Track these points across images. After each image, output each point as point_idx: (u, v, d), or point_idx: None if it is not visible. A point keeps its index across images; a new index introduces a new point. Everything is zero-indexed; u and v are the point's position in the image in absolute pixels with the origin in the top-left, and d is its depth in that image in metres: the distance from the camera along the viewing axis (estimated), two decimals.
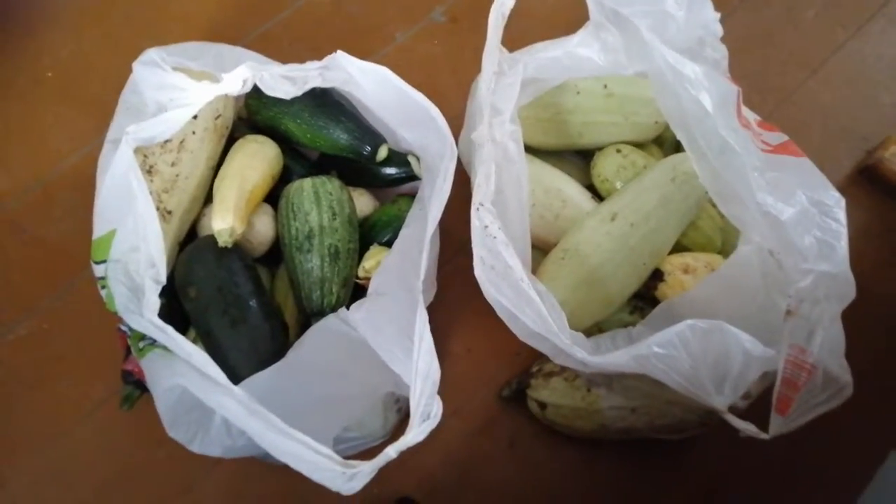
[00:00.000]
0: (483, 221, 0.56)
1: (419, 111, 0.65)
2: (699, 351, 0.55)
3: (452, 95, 0.90)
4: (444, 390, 0.80)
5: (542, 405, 0.72)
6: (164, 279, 0.61)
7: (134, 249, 0.61)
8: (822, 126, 0.92)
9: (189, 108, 0.54)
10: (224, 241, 0.66)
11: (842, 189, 0.62)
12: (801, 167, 0.68)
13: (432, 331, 0.81)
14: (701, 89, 0.60)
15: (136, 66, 0.56)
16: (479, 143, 0.59)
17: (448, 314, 0.81)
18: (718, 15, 0.64)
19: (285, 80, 0.56)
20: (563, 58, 0.60)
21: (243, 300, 0.67)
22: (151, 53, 0.55)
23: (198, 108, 0.55)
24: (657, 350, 0.55)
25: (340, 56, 0.61)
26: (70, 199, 0.85)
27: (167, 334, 0.57)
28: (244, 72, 0.52)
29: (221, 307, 0.66)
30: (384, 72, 0.61)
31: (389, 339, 0.58)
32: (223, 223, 0.67)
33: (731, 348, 0.56)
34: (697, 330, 0.55)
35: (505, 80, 0.59)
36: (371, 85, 0.64)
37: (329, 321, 0.66)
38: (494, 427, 0.77)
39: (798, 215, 0.59)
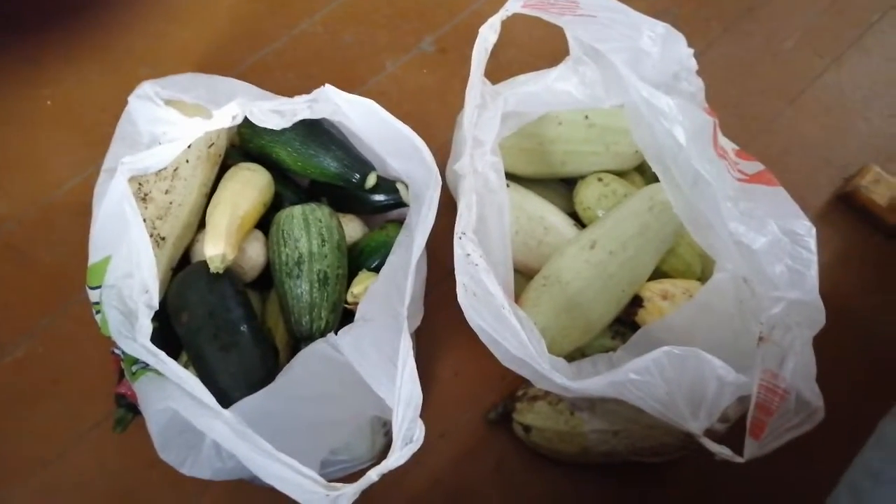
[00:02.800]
0: (465, 250, 0.58)
1: (405, 142, 0.67)
2: (675, 377, 0.57)
3: (441, 124, 0.93)
4: (431, 413, 0.83)
5: (527, 428, 0.73)
6: (156, 304, 0.63)
7: (128, 275, 0.63)
8: (801, 154, 0.95)
9: (180, 142, 0.57)
10: (216, 267, 0.68)
11: (821, 216, 0.65)
12: (775, 196, 0.70)
13: (419, 355, 0.83)
14: (675, 122, 0.62)
15: (132, 99, 0.58)
16: (462, 173, 0.62)
17: (435, 338, 0.83)
18: (692, 51, 0.66)
19: (274, 114, 0.58)
20: (543, 92, 0.63)
21: (234, 325, 0.68)
22: (146, 87, 0.58)
23: (189, 142, 0.57)
24: (634, 377, 0.56)
25: (328, 89, 0.63)
26: (67, 223, 0.87)
27: (159, 359, 0.59)
28: (233, 108, 0.55)
29: (213, 332, 0.67)
30: (370, 104, 0.64)
31: (374, 365, 0.60)
32: (215, 250, 0.69)
33: (706, 374, 0.57)
34: (673, 357, 0.57)
35: (487, 114, 0.61)
36: (358, 117, 0.66)
37: (318, 346, 0.67)
38: (481, 449, 0.79)
39: (769, 244, 0.61)
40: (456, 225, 0.60)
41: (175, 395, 0.60)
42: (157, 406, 0.61)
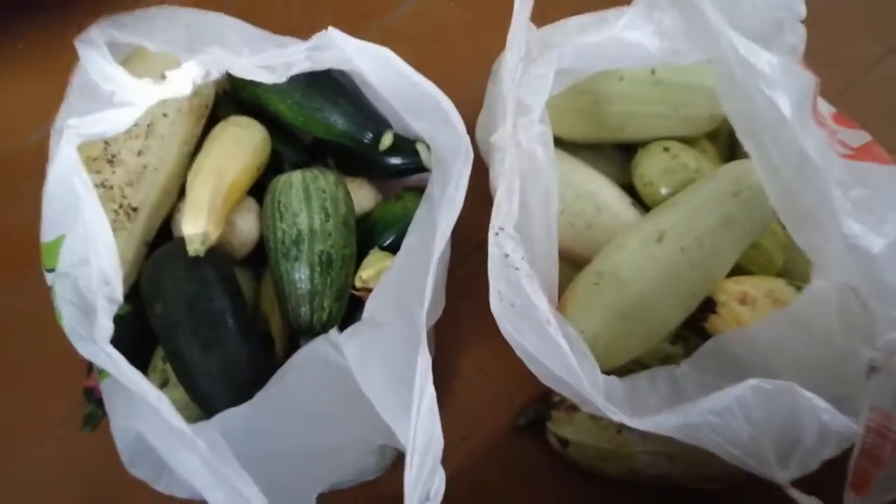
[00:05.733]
0: (503, 249, 0.46)
1: (429, 101, 0.53)
2: (762, 418, 0.45)
3: (471, 71, 0.78)
4: (453, 413, 0.72)
5: (564, 442, 0.62)
6: (120, 297, 0.52)
7: (84, 262, 0.52)
8: None
9: (132, 108, 0.43)
10: (195, 248, 0.56)
11: None
12: (890, 178, 0.56)
13: (439, 345, 0.72)
14: (778, 88, 0.48)
15: (78, 44, 0.45)
16: (501, 146, 0.48)
17: (458, 327, 0.71)
18: None
19: (263, 71, 0.45)
20: (608, 44, 0.48)
21: (217, 318, 0.57)
22: (94, 31, 0.44)
23: (143, 108, 0.44)
24: (712, 419, 0.44)
25: (332, 34, 0.49)
26: (35, 180, 0.75)
27: (120, 369, 0.48)
28: (193, 70, 0.41)
29: (191, 326, 0.56)
30: (386, 54, 0.50)
31: (384, 386, 0.48)
32: (194, 228, 0.57)
33: (803, 416, 0.45)
34: (761, 392, 0.45)
35: (535, 70, 0.47)
36: (371, 68, 0.53)
37: (318, 346, 0.56)
38: (509, 456, 0.68)
39: (892, 247, 0.48)
40: (493, 215, 0.47)
41: (141, 412, 0.49)
42: (121, 422, 0.51)
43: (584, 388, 0.46)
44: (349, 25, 0.82)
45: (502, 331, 0.49)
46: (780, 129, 0.48)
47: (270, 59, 0.46)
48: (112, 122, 0.43)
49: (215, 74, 0.45)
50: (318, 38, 0.50)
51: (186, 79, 0.41)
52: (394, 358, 0.49)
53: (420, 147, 0.67)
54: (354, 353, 0.51)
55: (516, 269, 0.46)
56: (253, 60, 0.45)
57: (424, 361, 0.46)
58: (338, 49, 0.50)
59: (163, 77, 0.43)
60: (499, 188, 0.47)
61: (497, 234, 0.45)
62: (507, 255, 0.46)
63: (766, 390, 0.45)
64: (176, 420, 0.47)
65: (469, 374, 0.71)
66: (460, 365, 0.71)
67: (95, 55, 0.42)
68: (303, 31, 0.55)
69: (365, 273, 0.62)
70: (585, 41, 0.48)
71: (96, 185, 0.58)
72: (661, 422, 0.46)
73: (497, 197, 0.47)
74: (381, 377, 0.49)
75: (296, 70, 0.49)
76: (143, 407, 0.49)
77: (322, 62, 0.51)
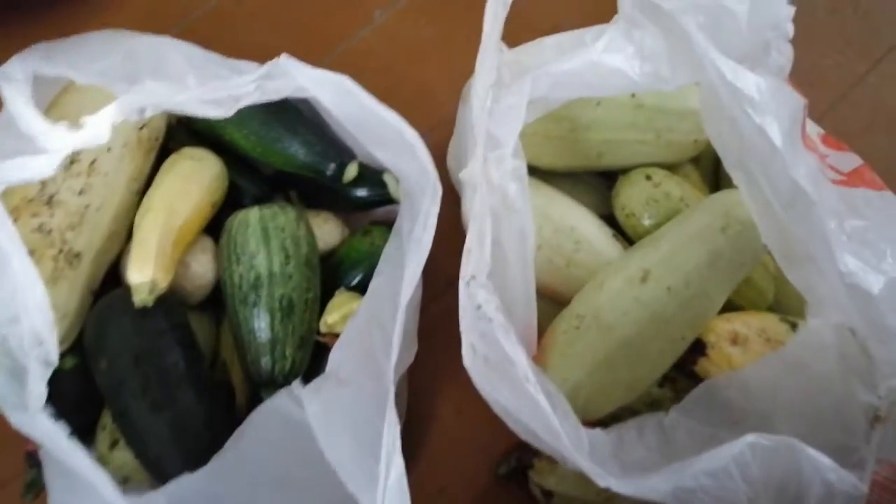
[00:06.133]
0: (475, 300, 0.42)
1: (392, 132, 0.49)
2: (761, 478, 0.41)
3: (443, 93, 0.74)
4: (429, 461, 0.67)
5: (548, 494, 0.58)
6: (55, 359, 0.47)
7: (14, 320, 0.47)
8: (887, 132, 0.77)
9: (48, 156, 0.39)
10: (142, 299, 0.51)
11: None
12: (885, 206, 0.53)
13: (413, 389, 0.68)
14: (767, 113, 0.44)
15: None
16: (470, 183, 0.44)
17: (433, 367, 0.67)
18: (792, 9, 0.48)
19: (205, 105, 0.41)
20: (585, 71, 0.44)
21: (169, 374, 0.52)
22: (14, 64, 0.39)
23: (60, 157, 0.39)
24: (707, 483, 0.41)
25: (284, 62, 0.45)
26: None
27: (53, 440, 0.43)
28: (113, 115, 0.37)
29: (140, 384, 0.51)
30: (344, 83, 0.46)
31: (348, 453, 0.44)
32: (141, 276, 0.52)
33: (806, 475, 0.42)
34: (760, 450, 0.41)
35: (506, 101, 0.43)
36: (329, 97, 0.48)
37: (278, 403, 0.51)
38: None
39: (892, 285, 0.45)
40: (463, 263, 0.43)
41: (79, 488, 0.44)
42: (58, 497, 0.46)
43: (567, 449, 0.42)
44: (314, 46, 0.79)
45: (477, 387, 0.45)
46: (771, 159, 0.45)
47: (215, 93, 0.42)
48: (30, 169, 0.38)
49: (150, 112, 0.40)
50: (269, 67, 0.46)
51: (104, 126, 0.37)
52: (359, 421, 0.45)
53: (388, 178, 0.63)
54: (316, 414, 0.47)
55: (490, 320, 0.42)
56: (194, 94, 0.41)
57: (392, 427, 0.42)
58: (291, 78, 0.46)
59: (80, 123, 0.38)
60: (469, 232, 0.42)
61: (468, 283, 0.41)
62: (479, 307, 0.42)
63: (766, 447, 0.42)
64: (117, 500, 0.42)
65: (445, 418, 0.67)
66: (436, 408, 0.67)
67: (13, 92, 0.38)
68: (268, 51, 0.51)
69: (330, 318, 0.57)
70: (561, 68, 0.44)
71: (33, 230, 0.54)
72: (651, 486, 0.42)
73: (467, 242, 0.43)
74: (345, 442, 0.44)
75: (244, 103, 0.45)
76: (82, 483, 0.44)
77: (274, 93, 0.46)
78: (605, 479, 0.42)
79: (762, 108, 0.45)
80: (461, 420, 0.66)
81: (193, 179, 0.58)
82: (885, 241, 0.47)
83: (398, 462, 0.40)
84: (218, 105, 0.42)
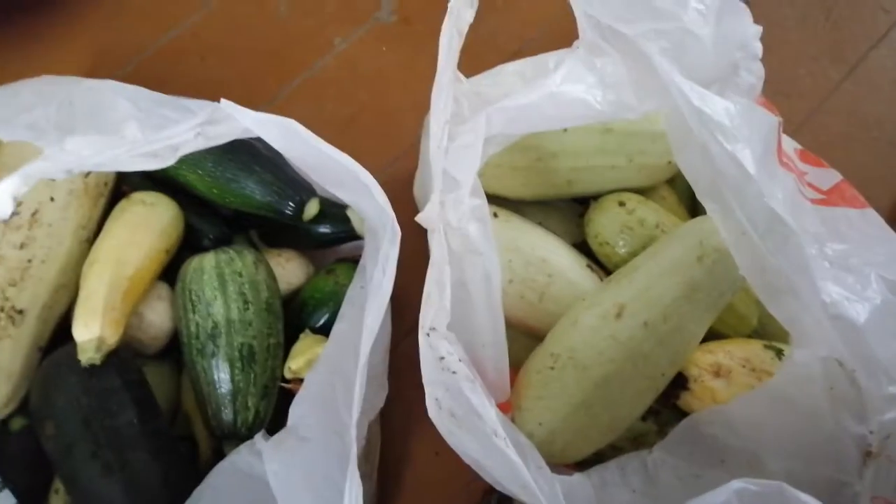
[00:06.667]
0: (437, 351, 0.39)
1: (347, 173, 0.47)
2: None
3: (408, 119, 0.72)
4: None
5: None
6: None
7: None
8: (865, 141, 0.75)
9: None
10: (89, 357, 0.48)
11: None
12: (866, 225, 0.51)
13: (389, 430, 0.65)
14: (738, 140, 0.42)
15: None
16: (429, 227, 0.42)
17: (408, 406, 0.64)
18: (758, 28, 0.46)
19: (141, 159, 0.38)
20: (544, 104, 0.42)
21: (121, 435, 0.49)
22: None
23: None
24: None
25: (226, 106, 0.42)
26: None
27: None
28: (12, 186, 0.33)
29: (90, 448, 0.48)
30: (291, 127, 0.43)
31: None
32: (87, 332, 0.49)
33: None
34: (748, 497, 0.39)
35: (461, 140, 0.41)
36: (277, 140, 0.46)
37: (239, 459, 0.49)
38: None
39: (878, 314, 0.42)
40: (422, 312, 0.40)
41: None
42: None
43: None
44: (274, 77, 0.76)
45: (445, 440, 0.43)
46: (745, 186, 0.42)
47: (150, 145, 0.39)
48: None
49: (78, 172, 0.37)
50: (211, 111, 0.43)
51: (4, 198, 0.33)
52: (320, 480, 0.42)
53: (351, 214, 0.60)
54: (276, 473, 0.44)
55: (453, 372, 0.39)
56: (125, 150, 0.38)
57: (354, 488, 0.39)
58: (234, 121, 0.43)
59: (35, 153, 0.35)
60: (427, 279, 0.40)
61: (429, 335, 0.39)
62: (441, 358, 0.39)
63: (754, 493, 0.39)
64: None
65: (423, 459, 0.64)
66: (413, 449, 0.64)
67: None
68: (225, 87, 0.49)
69: (294, 363, 0.55)
70: (517, 102, 0.41)
71: None
72: None
73: (426, 289, 0.40)
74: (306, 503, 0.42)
75: (185, 151, 0.42)
76: None
77: (217, 137, 0.44)
78: None
79: (733, 134, 0.42)
80: (439, 462, 0.63)
81: (144, 226, 0.55)
82: (869, 264, 0.45)
83: None
84: (154, 157, 0.39)
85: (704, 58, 0.45)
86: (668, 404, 0.51)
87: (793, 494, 0.39)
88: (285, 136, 0.44)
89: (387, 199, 0.46)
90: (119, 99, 0.51)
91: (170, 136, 0.40)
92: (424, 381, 0.41)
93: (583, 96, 0.43)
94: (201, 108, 0.49)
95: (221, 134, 0.44)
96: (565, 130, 0.53)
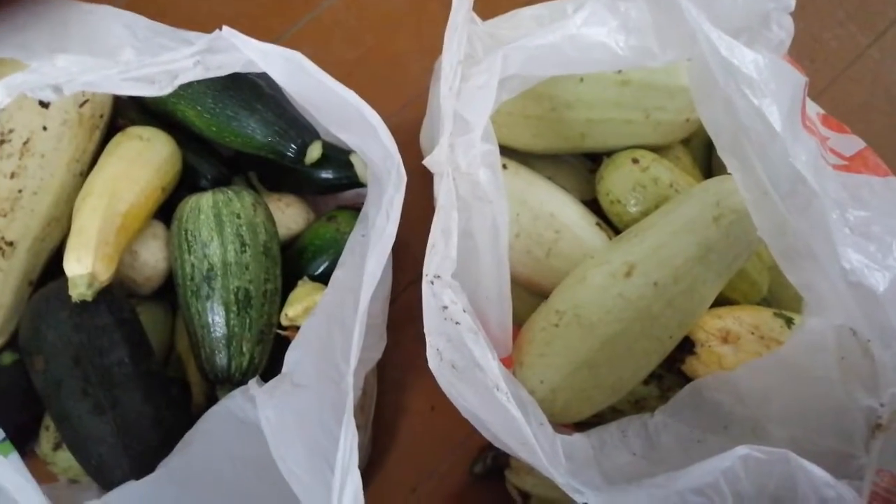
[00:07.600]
0: (440, 300, 0.37)
1: (352, 112, 0.45)
2: (753, 494, 0.38)
3: (417, 64, 0.70)
4: (401, 459, 0.63)
5: (525, 495, 0.55)
6: None
7: None
8: (886, 111, 0.73)
9: None
10: (80, 293, 0.47)
11: None
12: (890, 194, 0.49)
13: (386, 382, 0.64)
14: (765, 94, 0.40)
15: None
16: (436, 171, 0.40)
17: (406, 359, 0.63)
18: None
19: (135, 83, 0.36)
20: (564, 45, 0.40)
21: (112, 374, 0.48)
22: None
23: None
24: (694, 500, 0.37)
25: (228, 34, 0.40)
26: None
27: None
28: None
29: (80, 385, 0.47)
30: (295, 58, 0.41)
31: (303, 463, 0.40)
32: (79, 267, 0.47)
33: (800, 490, 0.38)
34: (752, 462, 0.38)
35: (476, 80, 0.39)
36: (280, 74, 0.43)
37: (231, 404, 0.48)
38: None
39: None
40: (426, 260, 0.39)
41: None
42: None
43: (541, 462, 0.38)
44: (278, 16, 0.73)
45: (444, 392, 0.41)
46: (769, 144, 0.40)
47: (146, 68, 0.37)
48: None
49: (68, 91, 0.35)
50: (211, 40, 0.41)
51: None
52: (315, 428, 0.41)
53: (354, 159, 0.58)
54: (269, 419, 0.43)
55: (457, 323, 0.37)
56: (118, 70, 0.36)
57: (349, 438, 0.38)
58: (237, 52, 0.41)
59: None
60: (433, 225, 0.38)
61: (432, 283, 0.37)
62: (444, 308, 0.37)
63: (758, 460, 0.38)
64: None
65: (419, 413, 0.63)
66: (409, 403, 0.63)
67: None
68: (227, 22, 0.46)
69: (291, 310, 0.53)
70: (536, 42, 0.39)
71: None
72: (633, 499, 0.38)
73: (431, 236, 0.38)
74: (299, 452, 0.41)
75: (183, 79, 0.40)
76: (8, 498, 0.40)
77: (218, 68, 0.42)
78: (583, 496, 0.39)
79: (761, 88, 0.40)
80: (435, 416, 0.63)
81: (140, 161, 0.53)
82: (891, 233, 0.43)
83: (355, 477, 0.36)
84: (151, 83, 0.37)
85: (734, 7, 0.42)
86: (673, 369, 0.50)
87: (798, 463, 0.38)
88: (290, 69, 0.42)
89: (393, 141, 0.44)
90: (116, 25, 0.49)
91: (167, 62, 0.38)
92: (426, 330, 0.39)
93: (604, 40, 0.40)
94: (201, 40, 0.47)
95: (222, 64, 0.42)
96: (581, 80, 0.51)
